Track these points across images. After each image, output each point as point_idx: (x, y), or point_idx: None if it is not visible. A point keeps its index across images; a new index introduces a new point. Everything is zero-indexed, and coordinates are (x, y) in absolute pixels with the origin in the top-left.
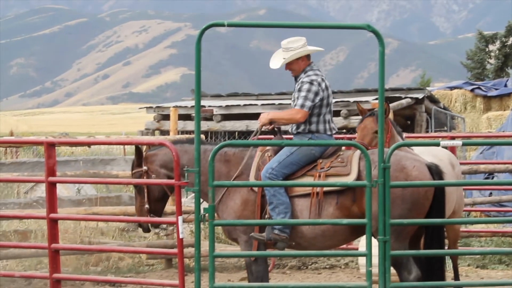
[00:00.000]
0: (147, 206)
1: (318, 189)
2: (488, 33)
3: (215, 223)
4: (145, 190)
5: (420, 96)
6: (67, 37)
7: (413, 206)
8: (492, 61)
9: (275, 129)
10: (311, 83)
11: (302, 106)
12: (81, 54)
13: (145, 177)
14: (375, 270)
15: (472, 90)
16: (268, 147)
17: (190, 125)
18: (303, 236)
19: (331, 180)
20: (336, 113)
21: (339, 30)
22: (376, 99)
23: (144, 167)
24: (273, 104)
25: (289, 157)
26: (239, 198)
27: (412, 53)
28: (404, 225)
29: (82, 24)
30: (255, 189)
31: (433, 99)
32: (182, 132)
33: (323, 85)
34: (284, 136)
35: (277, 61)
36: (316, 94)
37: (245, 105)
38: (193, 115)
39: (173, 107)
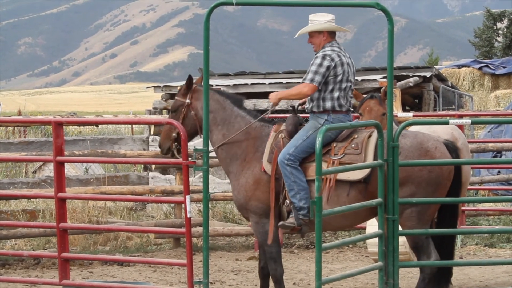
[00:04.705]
0: (174, 135)
1: (331, 176)
2: (496, 11)
3: (325, 212)
4: (181, 118)
5: (428, 74)
6: (74, 16)
7: (437, 188)
8: (500, 39)
9: (291, 107)
10: (323, 57)
11: (312, 80)
12: (89, 33)
13: (183, 110)
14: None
15: (480, 68)
16: (281, 128)
17: None
18: None
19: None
20: None
21: (347, 8)
22: (384, 77)
23: (188, 100)
24: (281, 83)
25: (306, 141)
26: (251, 177)
27: (420, 31)
28: (412, 203)
29: (90, 3)
30: (268, 170)
31: (441, 78)
32: None
33: (337, 59)
34: (301, 115)
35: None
36: (328, 68)
37: (252, 84)
38: None
39: (181, 86)
